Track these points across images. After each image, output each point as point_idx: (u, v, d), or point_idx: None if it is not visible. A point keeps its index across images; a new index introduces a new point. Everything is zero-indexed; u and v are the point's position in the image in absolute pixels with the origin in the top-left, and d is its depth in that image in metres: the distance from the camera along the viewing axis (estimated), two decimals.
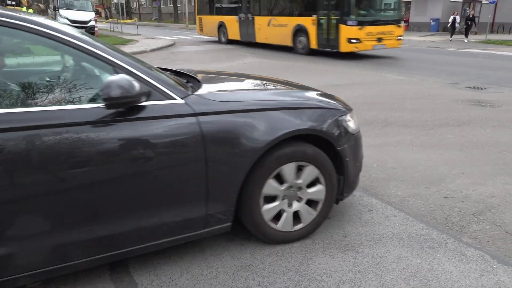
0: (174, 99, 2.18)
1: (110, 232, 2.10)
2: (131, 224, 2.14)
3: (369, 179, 3.76)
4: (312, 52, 14.35)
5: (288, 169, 2.52)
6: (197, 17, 21.43)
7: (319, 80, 9.21)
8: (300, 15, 14.63)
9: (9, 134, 1.78)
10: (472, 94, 7.80)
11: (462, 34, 23.35)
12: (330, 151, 2.67)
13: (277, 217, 2.63)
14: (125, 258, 2.30)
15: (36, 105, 1.94)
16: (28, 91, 2.02)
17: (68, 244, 2.01)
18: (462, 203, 3.28)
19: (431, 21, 29.83)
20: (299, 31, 14.65)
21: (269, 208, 2.55)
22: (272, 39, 16.12)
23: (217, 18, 19.50)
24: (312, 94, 2.84)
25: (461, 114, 6.20)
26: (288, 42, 15.25)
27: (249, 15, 17.18)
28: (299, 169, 2.58)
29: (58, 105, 1.95)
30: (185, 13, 44.47)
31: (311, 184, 2.66)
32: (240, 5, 17.87)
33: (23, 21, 1.91)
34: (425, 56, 15.08)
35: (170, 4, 52.91)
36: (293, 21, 14.86)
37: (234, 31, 18.40)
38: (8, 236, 1.87)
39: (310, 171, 2.60)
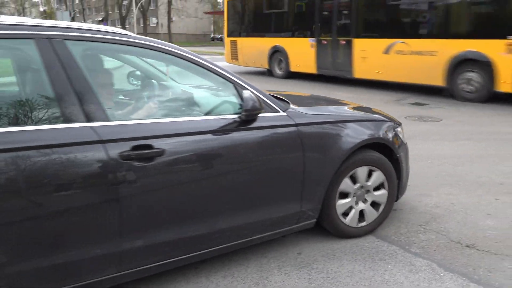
0: (279, 112, 2.60)
1: (227, 225, 2.42)
2: (243, 218, 2.48)
3: None
4: (490, 98, 8.62)
5: (361, 171, 2.93)
6: (228, 40, 15.37)
7: None
8: (470, 36, 8.60)
9: (172, 139, 2.17)
10: (414, 110, 8.23)
11: None
12: (389, 159, 3.09)
13: (345, 213, 2.96)
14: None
15: (190, 115, 2.44)
16: (180, 105, 2.55)
17: (195, 236, 2.31)
18: (409, 215, 3.41)
19: None
20: (468, 63, 8.66)
21: (342, 204, 2.91)
22: (394, 73, 10.19)
23: (268, 41, 13.61)
24: (371, 110, 3.36)
25: (405, 129, 6.49)
26: (438, 81, 9.25)
27: (341, 37, 11.43)
28: (370, 173, 2.98)
29: (205, 115, 2.44)
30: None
31: (377, 188, 3.05)
32: (318, 20, 11.96)
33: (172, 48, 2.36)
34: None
35: (118, 25, 52.19)
36: (451, 47, 8.87)
37: (303, 60, 12.61)
38: (131, 233, 2.09)
39: (378, 176, 3.01)
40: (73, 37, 2.06)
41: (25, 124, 1.91)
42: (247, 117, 2.37)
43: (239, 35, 14.83)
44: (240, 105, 2.39)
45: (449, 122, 7.04)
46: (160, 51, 2.34)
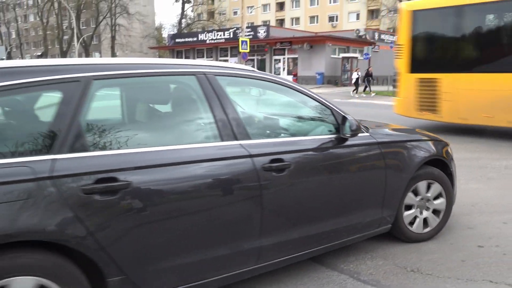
0: (363, 132, 3.05)
1: (332, 227, 2.88)
2: (336, 223, 2.90)
3: None
4: None
5: (422, 185, 3.41)
6: (413, 78, 8.92)
7: None
8: None
9: (295, 154, 2.65)
10: None
11: (354, 88, 24.57)
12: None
13: (411, 222, 3.43)
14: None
15: (302, 135, 2.97)
16: (296, 126, 3.12)
17: (309, 236, 2.77)
18: (357, 242, 3.49)
19: (317, 75, 32.70)
20: None
21: (407, 214, 3.39)
22: None
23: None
24: (416, 131, 3.88)
25: None
26: None
27: None
28: (428, 185, 3.45)
29: (311, 135, 2.93)
30: None
31: (436, 197, 3.51)
32: None
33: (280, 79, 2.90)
34: None
35: None
36: None
37: None
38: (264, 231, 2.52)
39: (436, 188, 3.48)
40: (221, 73, 2.60)
41: (194, 142, 2.40)
42: (352, 136, 2.90)
43: (448, 69, 8.46)
44: (336, 127, 2.92)
45: None
46: (278, 84, 2.89)
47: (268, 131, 2.88)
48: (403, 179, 3.22)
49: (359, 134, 2.97)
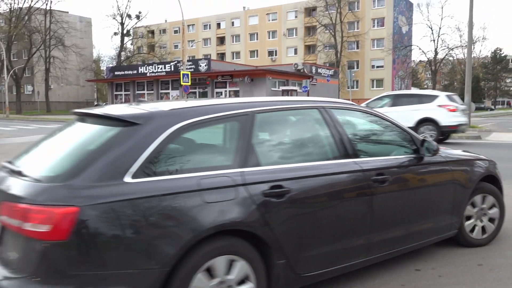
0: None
1: (416, 230, 3.55)
2: (420, 225, 3.58)
3: None
4: None
5: (478, 198, 4.05)
6: None
7: None
8: None
9: (391, 169, 3.35)
10: None
11: None
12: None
13: (471, 230, 4.07)
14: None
15: (391, 154, 3.61)
16: (385, 148, 3.76)
17: (399, 237, 3.44)
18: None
19: None
20: None
21: (468, 224, 4.03)
22: None
23: None
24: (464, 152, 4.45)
25: None
26: None
27: None
28: (483, 198, 4.08)
29: (400, 155, 3.63)
30: (5, 102, 40.48)
31: (490, 208, 4.13)
32: None
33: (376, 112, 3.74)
34: None
35: None
36: None
37: None
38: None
39: (490, 199, 4.12)
40: (333, 107, 3.34)
41: (323, 159, 3.16)
42: (432, 155, 3.65)
43: None
44: (414, 149, 3.63)
45: None
46: (372, 115, 3.71)
47: (367, 151, 3.52)
48: (466, 192, 3.90)
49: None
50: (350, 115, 3.62)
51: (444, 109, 13.03)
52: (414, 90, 17.90)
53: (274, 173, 2.76)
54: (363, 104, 10.38)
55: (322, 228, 2.93)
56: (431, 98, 13.58)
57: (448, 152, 3.98)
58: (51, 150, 2.80)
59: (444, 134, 13.38)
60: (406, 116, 12.77)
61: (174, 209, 2.33)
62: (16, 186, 2.34)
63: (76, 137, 2.80)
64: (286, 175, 2.79)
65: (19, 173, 2.46)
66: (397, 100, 14.14)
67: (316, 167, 3.01)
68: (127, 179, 2.27)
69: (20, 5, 49.39)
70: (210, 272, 2.42)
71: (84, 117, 2.88)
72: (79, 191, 2.16)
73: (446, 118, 12.90)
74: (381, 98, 14.67)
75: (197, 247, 2.35)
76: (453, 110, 13.04)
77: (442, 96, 13.49)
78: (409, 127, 10.50)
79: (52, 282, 2.10)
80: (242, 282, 2.55)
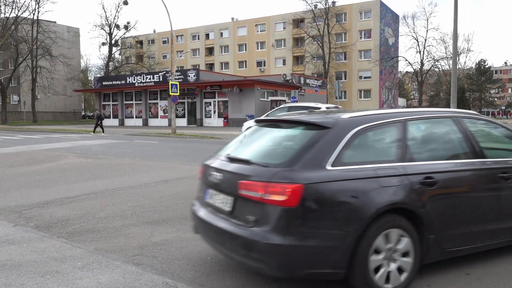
0: None
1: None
2: None
3: (204, 273, 3.72)
4: None
5: None
6: None
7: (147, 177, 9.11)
8: None
9: None
10: None
11: None
12: None
13: None
14: None
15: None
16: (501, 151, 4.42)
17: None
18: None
19: (247, 117, 33.34)
20: None
21: None
22: None
23: None
24: None
25: None
26: None
27: None
28: None
29: None
30: None
31: None
32: None
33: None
34: None
35: None
36: None
37: None
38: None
39: None
40: (463, 117, 4.05)
41: (458, 159, 3.88)
42: None
43: None
44: None
45: None
46: (492, 123, 4.48)
47: (491, 154, 4.12)
48: None
49: None
50: (476, 124, 4.20)
51: None
52: (304, 103, 21.26)
53: (426, 167, 3.54)
54: (264, 115, 13.64)
55: (461, 212, 3.66)
56: (315, 109, 15.91)
57: None
58: (258, 146, 3.82)
59: None
60: None
61: (361, 189, 3.18)
62: (251, 170, 3.29)
63: (277, 136, 3.86)
64: (435, 168, 3.57)
65: (246, 162, 3.43)
66: (291, 111, 16.59)
67: (455, 164, 3.79)
68: (328, 167, 3.15)
69: (7, 15, 48.98)
70: (386, 238, 3.25)
71: (279, 123, 3.96)
72: (301, 174, 3.07)
73: None
74: (280, 109, 17.65)
75: (378, 218, 3.17)
76: None
77: (323, 108, 16.27)
78: None
79: (285, 233, 2.99)
80: (404, 255, 3.34)
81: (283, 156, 3.36)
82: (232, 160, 3.60)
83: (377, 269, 3.20)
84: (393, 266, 3.28)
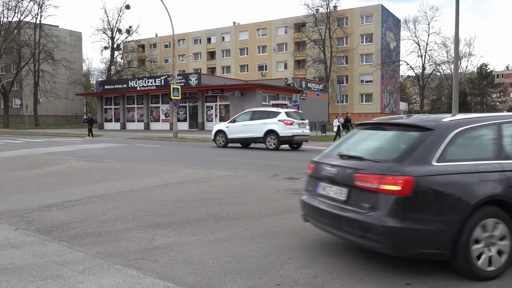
0: None
1: None
2: None
3: (205, 277, 3.71)
4: None
5: None
6: None
7: (150, 180, 9.11)
8: None
9: None
10: (289, 184, 8.74)
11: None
12: None
13: None
14: None
15: None
16: None
17: None
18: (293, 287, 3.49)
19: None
20: None
21: None
22: None
23: None
24: None
25: (282, 203, 6.83)
26: None
27: None
28: None
29: None
30: None
31: None
32: None
33: None
34: (248, 152, 16.53)
35: None
36: None
37: None
38: None
39: None
40: (507, 122, 4.15)
41: None
42: None
43: None
44: None
45: None
46: None
47: None
48: None
49: None
50: None
51: (282, 123, 17.30)
52: (266, 108, 21.80)
53: None
54: (231, 118, 18.01)
55: None
56: (275, 114, 17.83)
57: None
58: (367, 145, 4.48)
59: (283, 142, 17.41)
60: (259, 128, 17.58)
61: (464, 182, 3.63)
62: (365, 165, 3.85)
63: (383, 137, 4.45)
64: None
65: (359, 158, 4.04)
66: (254, 115, 18.34)
67: None
68: (434, 163, 3.63)
69: (10, 19, 49.20)
70: (484, 228, 3.62)
71: (384, 126, 4.60)
72: (411, 168, 3.56)
73: (283, 130, 17.17)
74: (246, 113, 18.96)
75: (478, 209, 3.57)
76: (289, 124, 17.23)
77: (282, 113, 17.63)
78: (260, 137, 14.73)
79: (398, 218, 3.48)
80: (501, 239, 3.70)
81: (393, 153, 3.91)
82: (344, 157, 4.22)
83: (479, 257, 3.61)
84: (493, 250, 3.68)
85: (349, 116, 24.07)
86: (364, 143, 4.56)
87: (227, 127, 18.79)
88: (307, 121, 18.53)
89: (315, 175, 4.49)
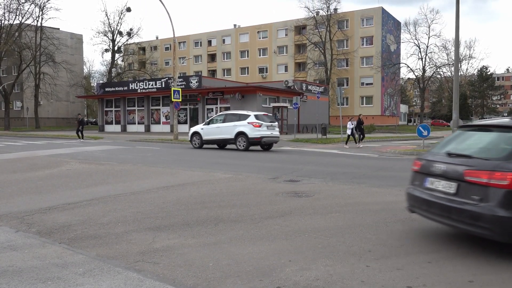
0: None
1: None
2: None
3: (206, 280, 3.71)
4: None
5: None
6: None
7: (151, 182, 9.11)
8: None
9: None
10: (289, 186, 8.73)
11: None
12: None
13: None
14: None
15: None
16: None
17: None
18: None
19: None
20: None
21: None
22: None
23: None
24: None
25: (282, 205, 6.82)
26: None
27: None
28: None
29: None
30: None
31: None
32: None
33: None
34: (248, 154, 16.53)
35: None
36: None
37: None
38: None
39: None
40: None
41: None
42: None
43: None
44: None
45: (321, 196, 7.59)
46: None
47: None
48: None
49: None
50: None
51: (251, 125, 18.14)
52: (237, 110, 22.43)
53: None
54: (206, 121, 20.04)
55: None
56: (245, 116, 18.61)
57: None
58: (473, 145, 4.80)
59: (252, 144, 18.17)
60: (230, 129, 18.49)
61: None
62: (474, 162, 4.27)
63: (488, 137, 4.75)
64: None
65: (468, 156, 4.46)
66: (227, 117, 19.31)
67: None
68: None
69: (11, 22, 49.29)
70: None
71: (489, 128, 4.92)
72: None
73: (252, 132, 18.00)
74: (219, 115, 20.07)
75: None
76: (258, 126, 18.08)
77: (252, 116, 18.43)
78: (231, 138, 15.73)
79: (507, 208, 3.91)
80: None
81: (501, 152, 4.29)
82: (452, 155, 4.64)
83: None
84: None
85: (361, 118, 23.92)
86: (468, 143, 4.94)
87: (202, 129, 19.81)
88: (276, 123, 19.55)
89: (423, 171, 4.92)
